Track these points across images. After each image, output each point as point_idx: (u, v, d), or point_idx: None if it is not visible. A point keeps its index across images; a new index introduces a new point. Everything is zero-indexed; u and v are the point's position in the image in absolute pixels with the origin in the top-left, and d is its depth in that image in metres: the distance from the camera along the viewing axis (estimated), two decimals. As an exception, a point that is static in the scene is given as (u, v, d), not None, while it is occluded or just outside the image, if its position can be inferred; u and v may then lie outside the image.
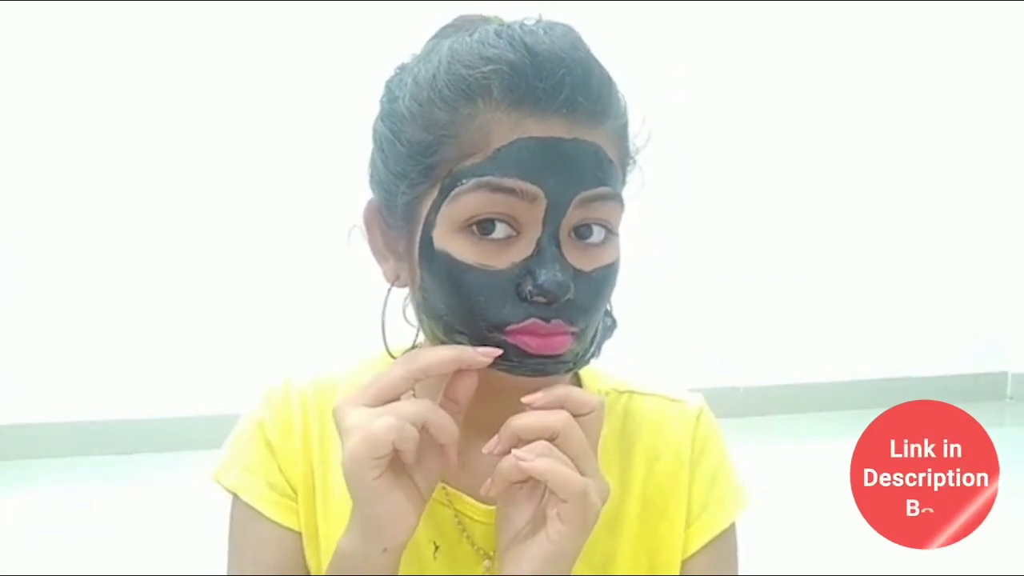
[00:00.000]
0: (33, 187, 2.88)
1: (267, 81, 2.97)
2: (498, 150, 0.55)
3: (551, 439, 0.53)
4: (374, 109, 0.64)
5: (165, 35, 2.91)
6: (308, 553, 0.68)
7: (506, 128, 0.55)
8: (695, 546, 0.70)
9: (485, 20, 0.61)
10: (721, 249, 3.45)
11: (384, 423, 0.53)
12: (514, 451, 0.53)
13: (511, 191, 0.54)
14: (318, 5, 2.98)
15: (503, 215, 0.55)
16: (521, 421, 0.54)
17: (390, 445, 0.53)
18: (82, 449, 2.86)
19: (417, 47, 0.63)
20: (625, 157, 0.62)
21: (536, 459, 0.52)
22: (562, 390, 0.55)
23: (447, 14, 0.64)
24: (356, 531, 0.56)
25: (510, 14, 0.62)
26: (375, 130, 0.63)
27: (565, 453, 0.53)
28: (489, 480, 0.55)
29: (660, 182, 0.67)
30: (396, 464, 0.55)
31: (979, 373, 3.81)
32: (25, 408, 2.89)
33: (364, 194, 0.65)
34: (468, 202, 0.55)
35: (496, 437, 0.55)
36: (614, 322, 0.63)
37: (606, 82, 0.58)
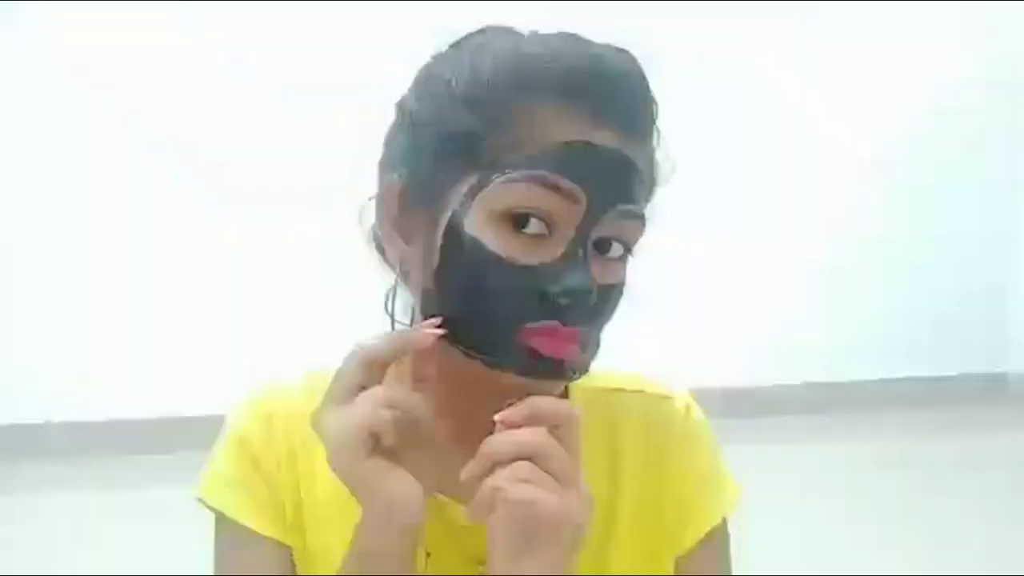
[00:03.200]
0: (33, 188, 2.88)
1: (259, 84, 2.96)
2: (551, 146, 0.55)
3: (529, 458, 0.52)
4: (368, 109, 0.63)
5: (160, 32, 2.91)
6: (298, 566, 0.67)
7: (563, 127, 0.55)
8: (688, 543, 0.69)
9: (511, 31, 0.61)
10: (721, 248, 3.44)
11: (358, 410, 0.53)
12: (488, 482, 0.52)
13: (556, 188, 0.54)
14: (316, 5, 2.98)
15: (541, 211, 0.55)
16: (496, 444, 0.53)
17: (367, 428, 0.53)
18: (82, 449, 2.86)
19: (412, 44, 0.63)
20: (652, 184, 0.62)
21: (513, 487, 0.51)
22: (534, 403, 0.54)
23: (446, 15, 0.64)
24: (367, 525, 0.55)
25: (511, 16, 0.62)
26: (404, 110, 0.62)
27: (545, 470, 0.52)
28: (472, 504, 0.54)
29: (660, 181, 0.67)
30: (384, 451, 0.54)
31: (979, 373, 3.81)
32: (25, 408, 2.89)
33: (359, 193, 0.64)
34: (511, 192, 0.55)
35: (473, 461, 0.53)
36: (598, 344, 0.62)
37: (655, 107, 0.60)
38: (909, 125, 3.62)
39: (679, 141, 0.63)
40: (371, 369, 0.55)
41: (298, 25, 2.98)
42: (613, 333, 0.63)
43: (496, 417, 0.54)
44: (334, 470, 0.54)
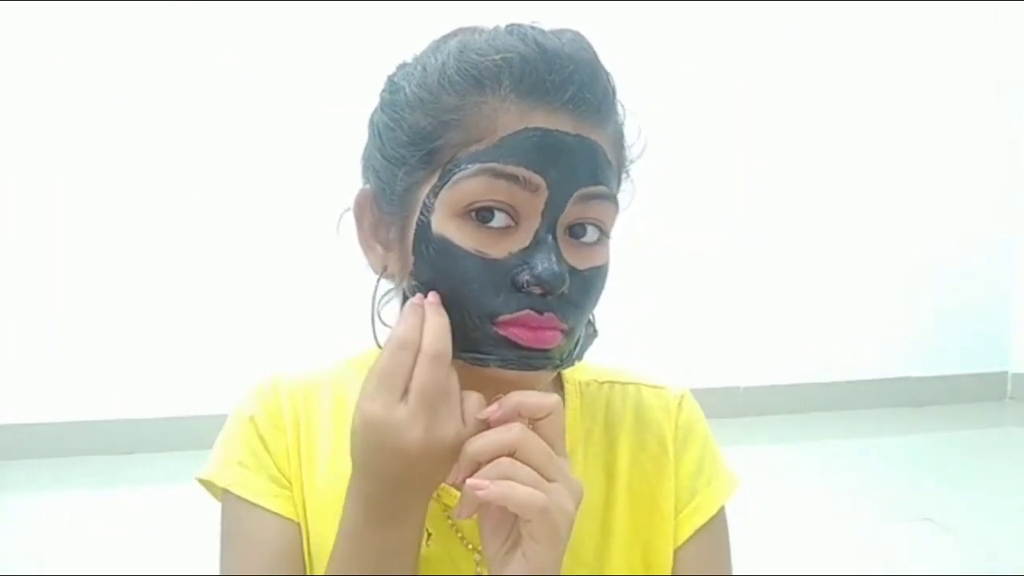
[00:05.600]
0: (33, 188, 2.88)
1: (258, 85, 2.97)
2: (503, 138, 0.55)
3: (510, 455, 0.53)
4: (366, 109, 0.64)
5: (160, 32, 2.91)
6: None
7: (513, 117, 0.56)
8: (686, 534, 0.70)
9: (468, 31, 0.62)
10: (721, 248, 3.44)
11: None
12: (468, 481, 0.53)
13: (514, 178, 0.55)
14: (315, 6, 2.98)
15: (503, 203, 0.56)
16: (476, 445, 0.54)
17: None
18: (82, 449, 2.86)
19: (411, 47, 0.64)
20: (621, 163, 0.63)
21: (491, 485, 0.52)
22: (516, 399, 0.55)
23: (444, 14, 0.64)
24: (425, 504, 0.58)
25: (509, 19, 0.62)
26: (372, 122, 0.63)
27: (528, 464, 0.53)
28: (458, 503, 0.55)
29: (660, 181, 0.67)
30: None
31: (979, 373, 3.81)
32: (25, 408, 2.89)
33: (354, 193, 0.65)
34: (470, 187, 0.55)
35: (456, 465, 0.54)
36: (595, 331, 0.63)
37: (610, 86, 0.60)
38: (912, 125, 3.63)
39: (672, 142, 0.63)
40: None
41: (287, 25, 2.98)
42: (613, 332, 0.63)
43: (479, 415, 0.55)
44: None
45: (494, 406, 0.55)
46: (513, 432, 0.53)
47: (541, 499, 0.52)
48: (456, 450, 0.54)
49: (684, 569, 0.69)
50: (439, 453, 0.54)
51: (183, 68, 2.93)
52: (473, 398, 0.55)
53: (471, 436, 0.54)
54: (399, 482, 0.56)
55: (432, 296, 0.57)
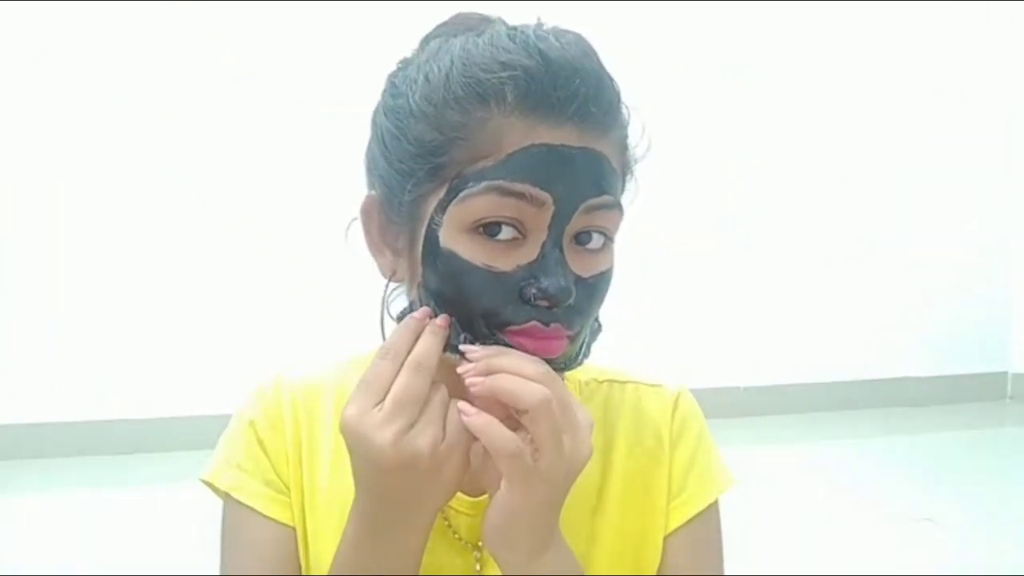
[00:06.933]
0: (33, 188, 2.88)
1: (258, 85, 2.97)
2: (510, 155, 0.55)
3: (519, 409, 0.53)
4: (366, 109, 0.64)
5: (160, 32, 2.91)
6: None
7: (519, 133, 0.55)
8: (675, 523, 0.71)
9: (485, 20, 0.62)
10: (721, 248, 3.45)
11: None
12: (460, 404, 0.54)
13: (521, 196, 0.55)
14: (315, 6, 2.98)
15: (510, 219, 0.56)
16: (506, 383, 0.54)
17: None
18: (82, 449, 2.86)
19: (412, 43, 0.64)
20: (626, 166, 0.63)
21: (475, 415, 0.53)
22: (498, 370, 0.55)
23: (445, 13, 0.64)
24: (432, 508, 0.58)
25: (507, 15, 0.62)
26: (376, 123, 0.63)
27: (549, 414, 0.53)
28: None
29: (659, 182, 0.67)
30: None
31: (979, 373, 3.81)
32: (25, 408, 2.89)
33: (358, 194, 0.65)
34: (477, 204, 0.55)
35: (476, 364, 0.55)
36: (600, 326, 0.63)
37: (614, 93, 0.60)
38: (910, 125, 3.62)
39: (671, 142, 0.63)
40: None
41: (290, 24, 2.98)
42: (613, 331, 0.63)
43: (457, 371, 0.56)
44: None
45: (469, 366, 0.55)
46: (541, 394, 0.53)
47: (514, 445, 0.52)
48: (435, 463, 0.54)
49: (671, 557, 0.71)
50: (412, 462, 0.53)
51: (183, 68, 2.93)
52: (457, 406, 0.55)
53: (450, 448, 0.54)
54: (381, 493, 0.56)
55: (441, 319, 0.58)
